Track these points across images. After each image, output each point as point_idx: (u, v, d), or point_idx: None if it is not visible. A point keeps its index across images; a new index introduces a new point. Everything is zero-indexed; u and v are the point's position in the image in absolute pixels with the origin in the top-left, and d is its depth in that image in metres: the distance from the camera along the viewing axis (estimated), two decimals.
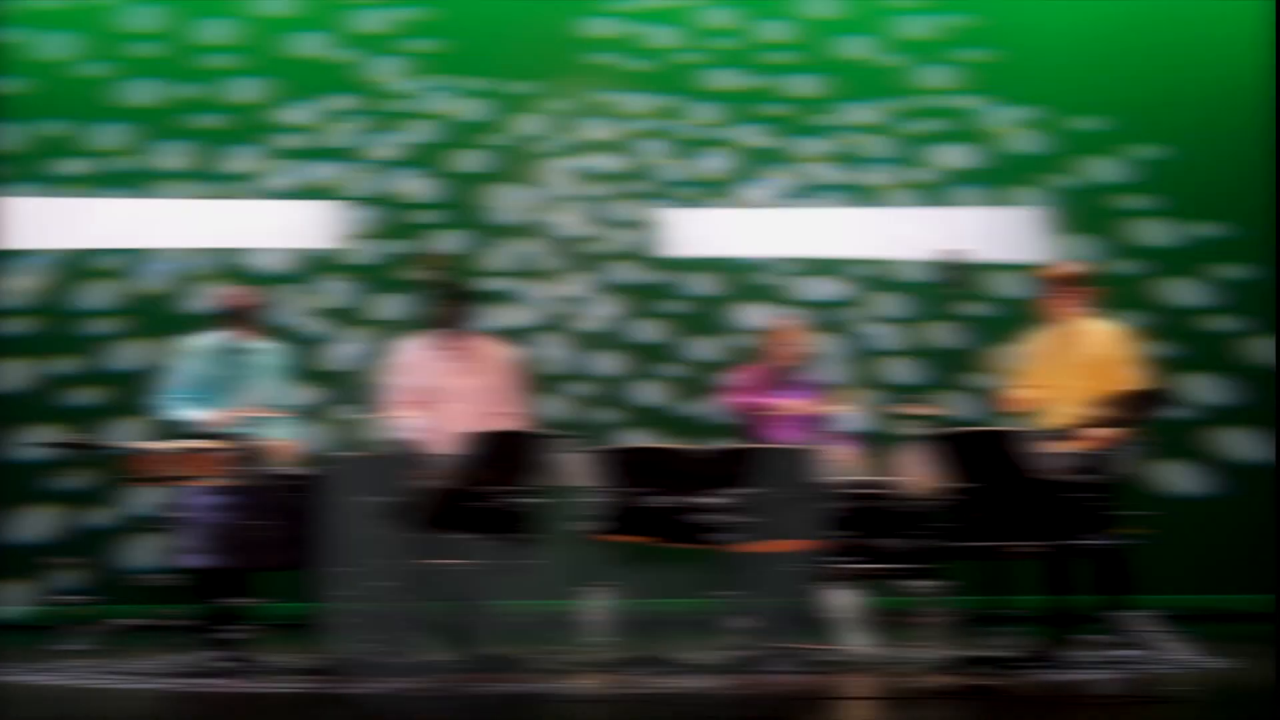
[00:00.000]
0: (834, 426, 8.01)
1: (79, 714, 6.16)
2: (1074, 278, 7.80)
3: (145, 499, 9.75)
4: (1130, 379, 7.70)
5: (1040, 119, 11.46)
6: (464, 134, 11.26)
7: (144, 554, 10.41)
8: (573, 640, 8.07)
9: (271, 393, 8.12)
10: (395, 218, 11.13)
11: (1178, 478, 10.76)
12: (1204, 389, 11.11)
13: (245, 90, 11.11)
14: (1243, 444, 11.09)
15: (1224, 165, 11.20)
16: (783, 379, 8.36)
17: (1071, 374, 7.80)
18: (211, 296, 8.12)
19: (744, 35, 11.52)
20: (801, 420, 8.36)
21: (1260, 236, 10.94)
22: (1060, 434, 7.75)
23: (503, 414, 8.07)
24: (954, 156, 11.40)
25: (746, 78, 11.46)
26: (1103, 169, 11.41)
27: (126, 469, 7.56)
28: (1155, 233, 11.34)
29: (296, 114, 11.15)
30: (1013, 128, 11.42)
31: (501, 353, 8.22)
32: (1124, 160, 11.42)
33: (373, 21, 11.29)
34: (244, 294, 8.00)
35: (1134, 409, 7.51)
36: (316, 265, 11.06)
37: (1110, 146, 11.40)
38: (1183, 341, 11.02)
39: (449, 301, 7.96)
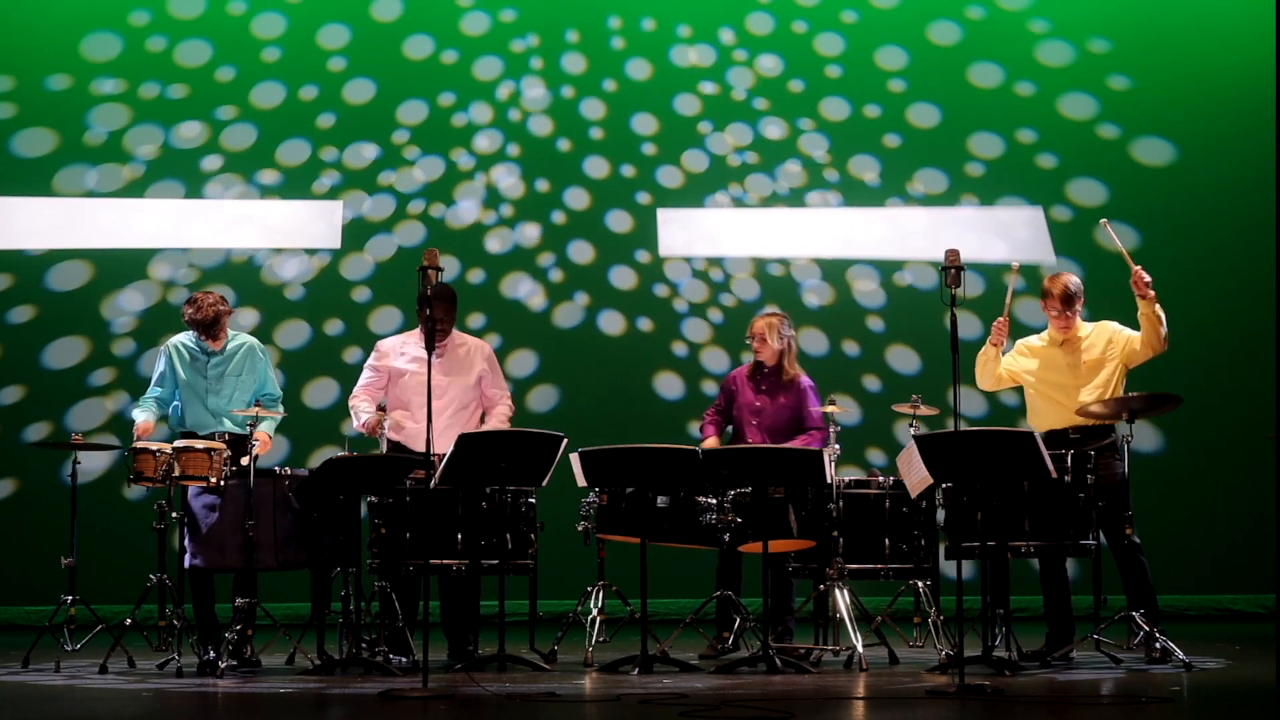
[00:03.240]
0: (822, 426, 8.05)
1: (78, 714, 6.15)
2: (1073, 284, 7.81)
3: (146, 499, 9.76)
4: (1136, 337, 7.73)
5: None
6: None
7: (145, 554, 10.44)
8: (573, 640, 8.08)
9: (267, 393, 8.13)
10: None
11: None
12: (1085, 190, 11.19)
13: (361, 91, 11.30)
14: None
15: None
16: (764, 378, 8.34)
17: (1072, 376, 7.81)
18: (205, 298, 8.09)
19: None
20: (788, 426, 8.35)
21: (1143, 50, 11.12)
22: (1060, 434, 7.76)
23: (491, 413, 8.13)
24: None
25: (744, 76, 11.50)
26: None
27: (127, 468, 7.57)
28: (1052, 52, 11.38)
29: (408, 113, 11.31)
30: None
31: (487, 351, 8.26)
32: None
33: (478, 23, 11.42)
34: (208, 298, 7.99)
35: (1145, 410, 7.52)
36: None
37: None
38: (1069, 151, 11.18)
39: (436, 300, 7.97)
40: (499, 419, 8.13)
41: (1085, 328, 7.92)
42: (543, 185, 11.31)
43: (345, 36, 11.35)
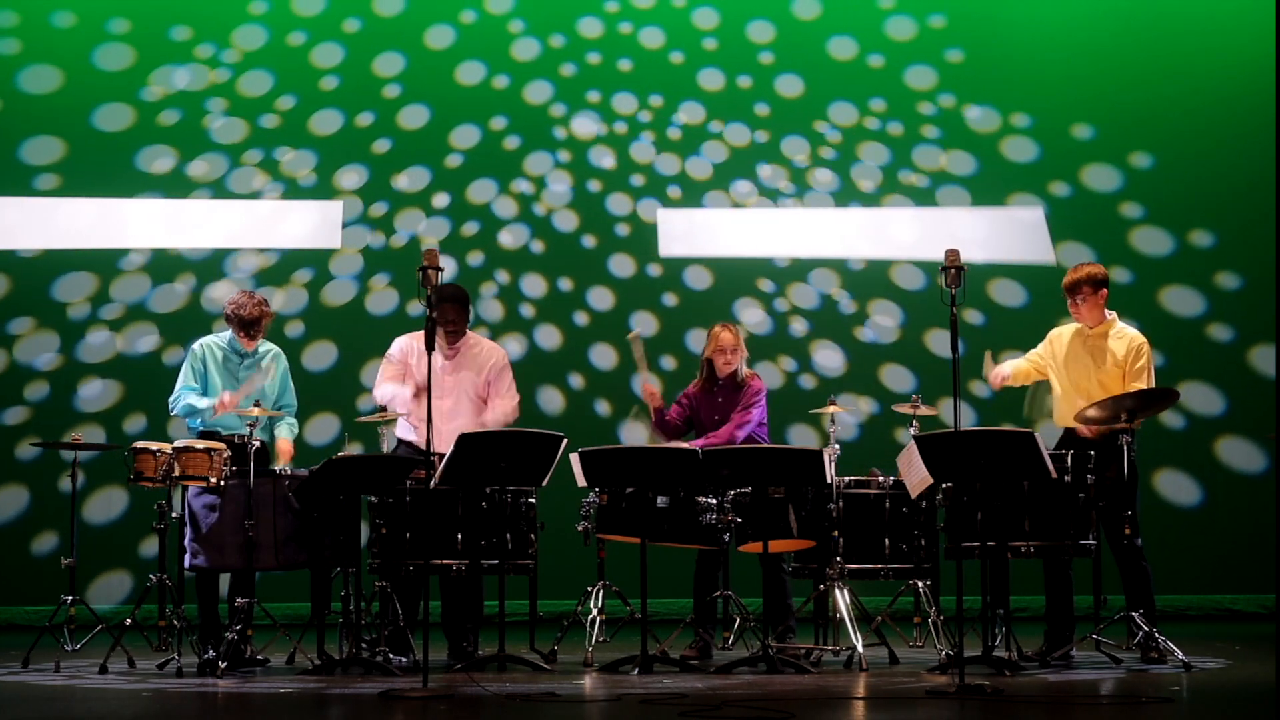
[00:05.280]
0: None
1: (78, 714, 6.15)
2: (1088, 280, 7.78)
3: (147, 499, 9.76)
4: (1141, 380, 7.69)
5: (1036, 126, 11.56)
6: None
7: (145, 554, 10.44)
8: (573, 640, 8.09)
9: (275, 394, 8.12)
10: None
11: (1174, 488, 10.80)
12: (1200, 398, 11.14)
13: (415, 116, 11.49)
14: (1238, 453, 11.11)
15: (1216, 173, 11.37)
16: (721, 389, 8.31)
17: (1084, 375, 7.79)
18: (221, 300, 8.12)
19: (731, 35, 11.69)
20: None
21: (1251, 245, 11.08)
22: (1067, 434, 7.75)
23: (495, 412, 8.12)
24: (951, 161, 11.52)
25: (737, 77, 11.60)
26: (1097, 177, 11.48)
27: (128, 468, 7.57)
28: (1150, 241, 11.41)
29: (460, 137, 11.48)
30: (1008, 135, 11.57)
31: (496, 352, 8.25)
32: (1118, 168, 11.51)
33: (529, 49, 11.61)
34: (252, 298, 8.00)
35: (1143, 409, 7.52)
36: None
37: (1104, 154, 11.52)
38: (1180, 350, 11.08)
39: (449, 302, 7.99)
40: (496, 411, 8.11)
41: (1117, 327, 7.84)
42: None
43: (400, 64, 11.51)
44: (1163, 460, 10.86)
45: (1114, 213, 11.41)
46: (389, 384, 8.09)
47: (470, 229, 11.32)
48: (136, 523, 10.45)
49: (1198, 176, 11.38)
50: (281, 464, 7.85)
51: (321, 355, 11.06)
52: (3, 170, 11.19)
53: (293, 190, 11.29)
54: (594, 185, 11.45)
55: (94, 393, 10.91)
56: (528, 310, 11.26)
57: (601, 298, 11.32)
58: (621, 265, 11.35)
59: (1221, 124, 11.41)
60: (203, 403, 7.92)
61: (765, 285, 11.29)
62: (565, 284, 11.32)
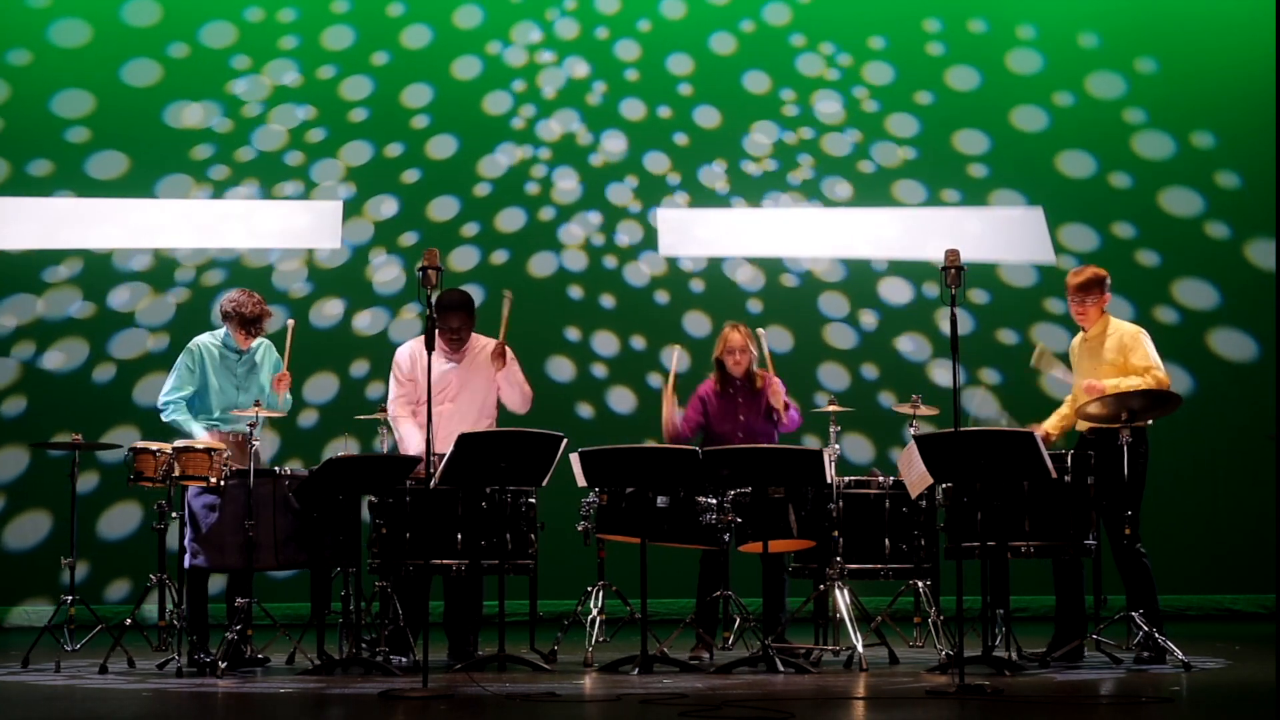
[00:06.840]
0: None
1: (78, 714, 6.16)
2: (1091, 282, 7.77)
3: (146, 499, 9.76)
4: (1147, 365, 7.68)
5: (1036, 36, 11.71)
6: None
7: (145, 554, 10.43)
8: (573, 640, 8.09)
9: (273, 394, 8.11)
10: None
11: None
12: (1194, 293, 11.33)
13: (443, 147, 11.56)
14: (1233, 344, 11.26)
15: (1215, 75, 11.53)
16: (738, 390, 8.31)
17: (1083, 378, 7.78)
18: (221, 299, 8.13)
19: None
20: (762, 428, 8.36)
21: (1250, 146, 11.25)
22: (1067, 433, 7.75)
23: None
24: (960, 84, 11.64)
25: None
26: (1099, 84, 11.63)
27: (128, 469, 7.56)
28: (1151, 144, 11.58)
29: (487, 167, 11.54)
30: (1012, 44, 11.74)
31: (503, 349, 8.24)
32: (1119, 74, 11.67)
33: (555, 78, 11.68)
34: (252, 297, 8.00)
35: (1147, 410, 7.51)
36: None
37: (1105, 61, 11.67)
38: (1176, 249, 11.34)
39: (454, 310, 7.99)
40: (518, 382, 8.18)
41: (1111, 325, 7.83)
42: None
43: (428, 95, 11.57)
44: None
45: (1117, 119, 11.57)
46: (410, 426, 8.05)
47: (499, 257, 11.33)
48: (55, 549, 10.42)
49: (1199, 77, 11.53)
50: (282, 389, 7.99)
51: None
52: (34, 123, 11.24)
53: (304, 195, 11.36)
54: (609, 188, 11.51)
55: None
56: (600, 370, 11.28)
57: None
58: (699, 324, 11.30)
59: (1224, 22, 11.52)
60: (197, 432, 7.89)
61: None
62: (639, 343, 11.31)
